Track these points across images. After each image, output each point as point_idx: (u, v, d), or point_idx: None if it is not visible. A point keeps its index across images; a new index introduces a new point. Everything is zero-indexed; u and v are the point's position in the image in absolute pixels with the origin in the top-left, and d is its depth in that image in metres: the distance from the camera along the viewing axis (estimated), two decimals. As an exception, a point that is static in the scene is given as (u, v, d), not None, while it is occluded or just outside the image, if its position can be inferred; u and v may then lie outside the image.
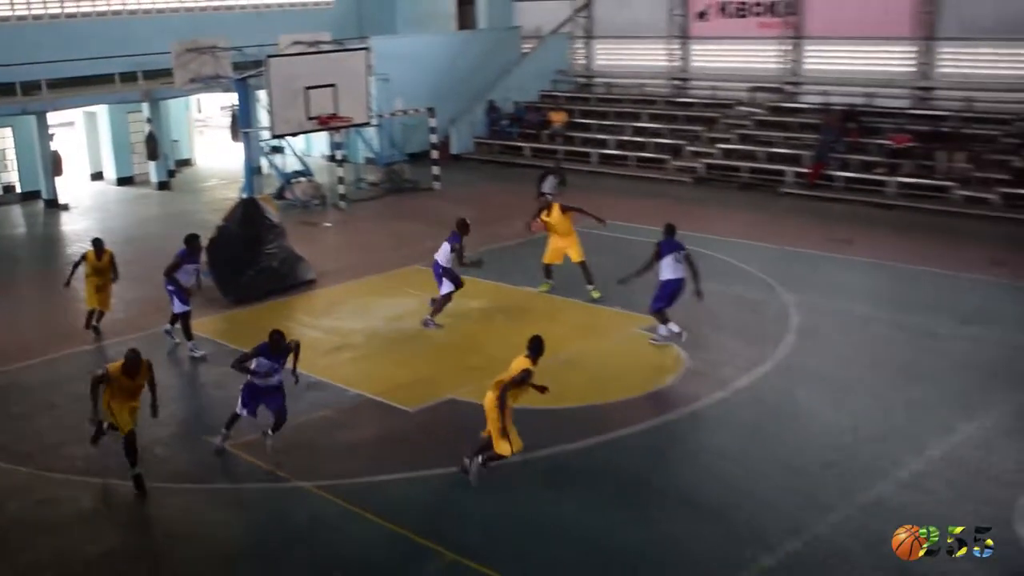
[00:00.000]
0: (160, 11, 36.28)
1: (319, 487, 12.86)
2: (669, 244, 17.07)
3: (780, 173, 30.55)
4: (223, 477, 13.42)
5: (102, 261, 18.23)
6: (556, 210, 19.80)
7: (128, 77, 32.63)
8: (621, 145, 34.87)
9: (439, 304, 18.83)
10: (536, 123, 37.49)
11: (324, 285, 21.72)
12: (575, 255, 19.86)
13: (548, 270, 20.25)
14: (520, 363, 12.27)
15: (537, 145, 36.41)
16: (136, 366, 12.89)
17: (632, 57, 39.55)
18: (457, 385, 15.90)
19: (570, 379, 16.17)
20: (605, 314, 19.26)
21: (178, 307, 17.48)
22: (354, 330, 18.84)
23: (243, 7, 38.54)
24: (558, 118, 36.95)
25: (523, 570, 10.94)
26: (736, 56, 36.30)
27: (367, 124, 30.28)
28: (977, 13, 30.23)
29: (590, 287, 19.78)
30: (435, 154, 32.56)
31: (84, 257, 18.31)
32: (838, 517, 11.87)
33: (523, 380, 12.21)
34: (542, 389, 12.75)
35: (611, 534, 11.62)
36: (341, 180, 30.20)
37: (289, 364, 13.75)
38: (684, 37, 37.46)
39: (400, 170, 32.86)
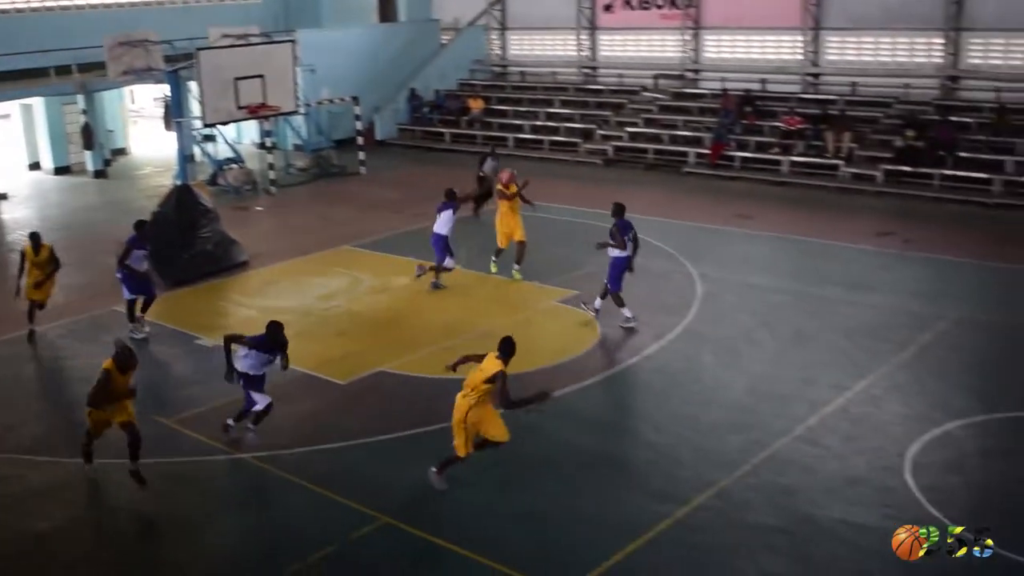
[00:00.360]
0: (93, 6, 35.26)
1: (257, 458, 12.70)
2: (624, 224, 16.81)
3: (683, 154, 30.75)
4: (167, 452, 13.14)
5: (40, 256, 16.96)
6: (514, 187, 19.65)
7: (63, 70, 31.73)
8: (535, 130, 34.80)
9: (438, 268, 19.01)
10: (456, 110, 37.27)
11: (257, 266, 21.40)
12: (520, 235, 19.54)
13: (500, 251, 19.91)
14: (493, 364, 11.30)
15: (457, 131, 36.19)
16: (128, 359, 11.67)
17: (544, 47, 39.55)
18: (386, 358, 15.80)
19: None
20: (523, 288, 19.25)
21: (126, 294, 16.94)
22: (287, 308, 18.55)
23: (173, 2, 37.65)
24: (476, 105, 36.81)
25: (453, 532, 10.92)
26: (640, 46, 36.51)
27: (295, 112, 29.87)
28: (859, 4, 30.77)
29: (516, 267, 19.61)
30: (361, 140, 32.29)
31: (23, 254, 17.03)
32: (742, 472, 12.03)
33: (503, 383, 11.16)
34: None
35: (535, 494, 11.64)
36: (271, 166, 29.77)
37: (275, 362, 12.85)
38: (592, 28, 37.51)
39: (327, 156, 32.50)
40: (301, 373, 15.32)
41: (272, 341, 12.55)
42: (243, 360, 12.63)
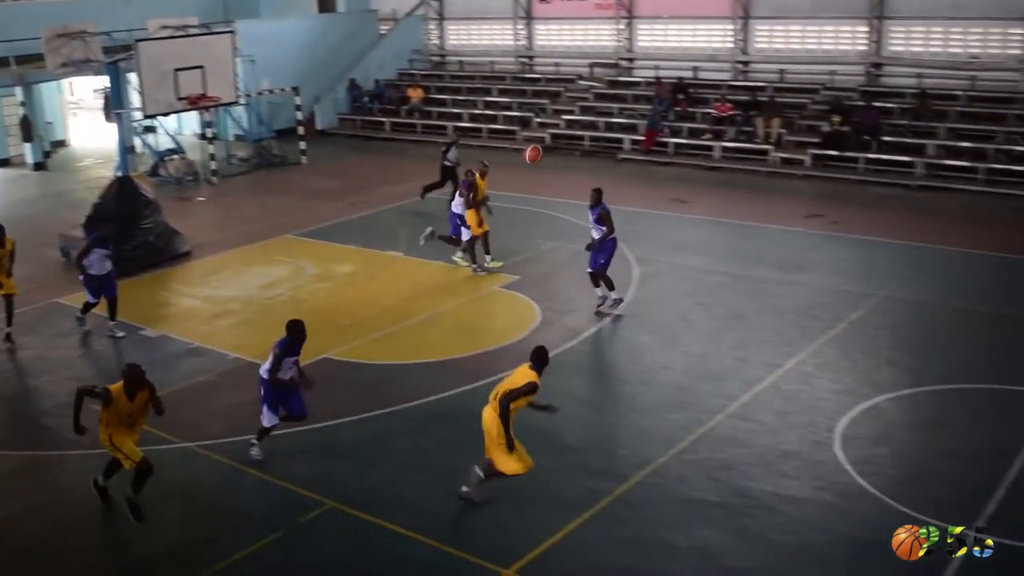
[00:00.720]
0: (30, -3, 34.58)
1: (202, 447, 12.54)
2: (606, 208, 16.62)
3: (618, 141, 30.88)
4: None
5: (6, 249, 16.26)
6: (484, 187, 19.38)
7: (0, 62, 31.05)
8: (474, 118, 34.68)
9: (469, 247, 18.93)
10: (395, 99, 37.02)
11: (200, 257, 21.11)
12: (485, 224, 19.32)
13: (486, 240, 19.36)
14: (525, 374, 10.65)
15: (397, 120, 35.98)
16: (137, 383, 10.62)
17: (481, 37, 39.41)
18: (330, 345, 15.65)
19: (434, 335, 16.19)
20: (464, 274, 19.18)
21: (90, 298, 16.46)
22: (230, 298, 18.38)
23: (111, -7, 36.95)
24: (415, 94, 36.58)
25: (399, 515, 10.86)
26: (576, 35, 36.57)
27: (235, 103, 29.53)
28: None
29: (461, 254, 19.46)
30: (301, 130, 31.95)
31: None
32: (679, 448, 12.12)
33: (529, 392, 10.56)
34: (547, 408, 11.17)
35: (478, 475, 11.62)
36: (212, 157, 29.35)
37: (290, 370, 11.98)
38: (528, 18, 37.46)
39: (269, 146, 32.10)
40: (246, 362, 15.16)
41: (298, 339, 11.84)
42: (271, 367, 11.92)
